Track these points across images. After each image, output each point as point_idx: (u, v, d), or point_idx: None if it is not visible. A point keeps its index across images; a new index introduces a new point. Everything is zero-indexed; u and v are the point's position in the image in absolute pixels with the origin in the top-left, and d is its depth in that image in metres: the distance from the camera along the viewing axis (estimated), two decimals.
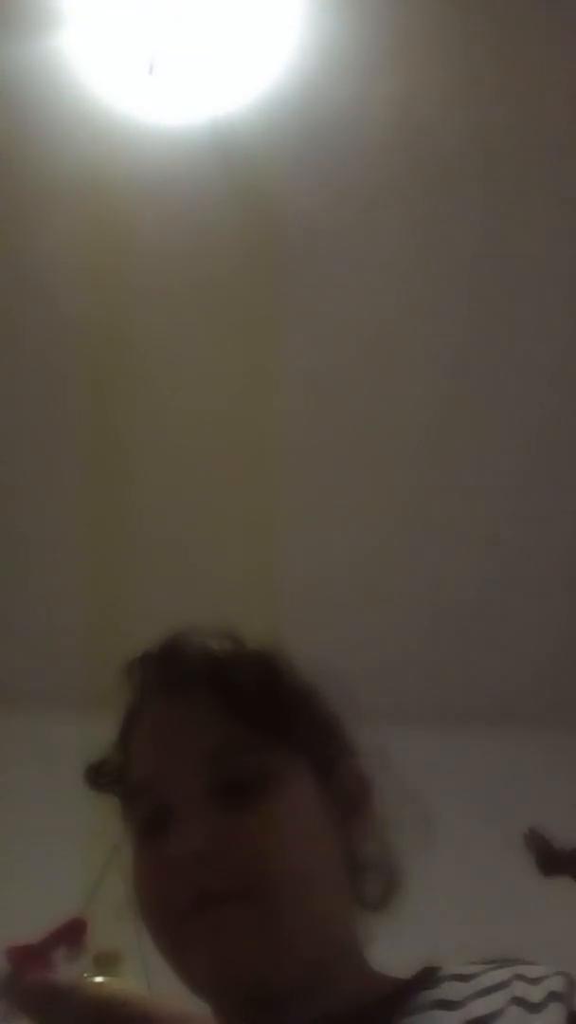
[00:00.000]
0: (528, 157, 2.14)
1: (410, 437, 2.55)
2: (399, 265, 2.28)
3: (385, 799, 0.77)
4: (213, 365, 2.42)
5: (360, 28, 1.96)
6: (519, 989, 0.63)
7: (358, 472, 2.59)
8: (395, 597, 2.77)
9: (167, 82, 1.98)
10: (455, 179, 2.16)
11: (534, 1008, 0.61)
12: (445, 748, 2.63)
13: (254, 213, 2.18)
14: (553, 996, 0.62)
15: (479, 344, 2.40)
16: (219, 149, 2.07)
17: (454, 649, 2.84)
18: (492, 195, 2.19)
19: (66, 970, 1.90)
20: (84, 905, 2.03)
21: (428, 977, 0.68)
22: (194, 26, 1.92)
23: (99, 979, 1.88)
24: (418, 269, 2.29)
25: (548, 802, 2.16)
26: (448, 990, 0.65)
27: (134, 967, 1.79)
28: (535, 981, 0.64)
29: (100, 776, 0.79)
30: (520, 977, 0.64)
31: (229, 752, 0.72)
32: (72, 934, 1.94)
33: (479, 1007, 0.62)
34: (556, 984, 0.63)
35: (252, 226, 2.19)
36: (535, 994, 0.62)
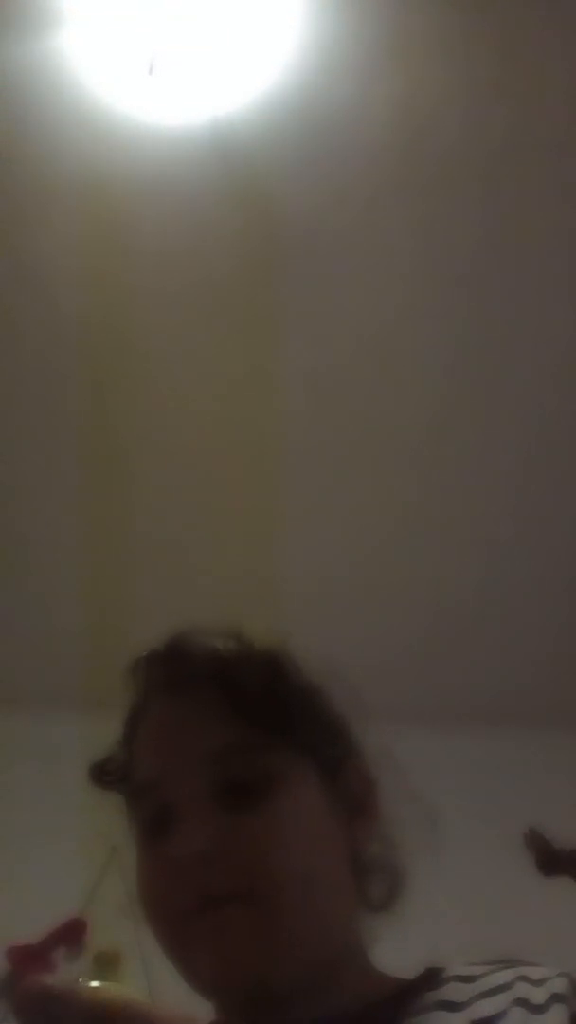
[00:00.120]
0: (528, 157, 2.14)
1: (410, 437, 2.54)
2: (399, 265, 2.28)
3: (390, 800, 0.77)
4: (213, 365, 2.42)
5: (360, 28, 1.96)
6: (522, 990, 0.63)
7: (358, 472, 2.59)
8: (395, 597, 2.77)
9: (167, 82, 1.98)
10: (455, 179, 2.16)
11: (537, 1009, 0.61)
12: (445, 748, 2.63)
13: (254, 213, 2.18)
14: (556, 998, 0.62)
15: (479, 344, 2.40)
16: (219, 149, 2.07)
17: (454, 649, 2.84)
18: (492, 195, 2.19)
19: (66, 970, 1.90)
20: (84, 905, 2.03)
21: (432, 978, 0.68)
22: (194, 26, 1.92)
23: (95, 983, 1.87)
24: (418, 269, 2.29)
25: (548, 802, 2.15)
26: (452, 991, 0.65)
27: (134, 967, 1.79)
28: (538, 982, 0.64)
29: (104, 774, 0.79)
30: (523, 978, 0.64)
31: (234, 752, 0.71)
32: (72, 934, 1.94)
33: (483, 1008, 0.62)
34: (559, 986, 0.63)
35: (252, 226, 2.19)
36: (538, 995, 0.63)
